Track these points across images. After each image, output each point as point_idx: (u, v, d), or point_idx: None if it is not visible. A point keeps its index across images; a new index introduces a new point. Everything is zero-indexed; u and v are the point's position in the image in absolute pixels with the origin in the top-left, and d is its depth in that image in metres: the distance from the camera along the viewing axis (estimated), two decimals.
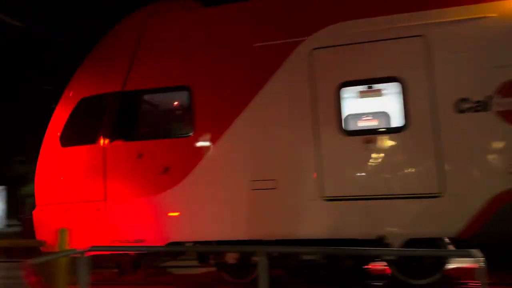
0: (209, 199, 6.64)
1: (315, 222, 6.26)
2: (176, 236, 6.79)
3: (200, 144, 6.77)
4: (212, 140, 6.72)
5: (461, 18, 6.03)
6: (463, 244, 5.77)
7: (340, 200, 6.18)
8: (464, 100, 5.92)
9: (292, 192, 6.36)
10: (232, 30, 6.96)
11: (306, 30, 6.55)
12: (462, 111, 5.92)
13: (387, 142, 6.15)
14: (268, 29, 6.77)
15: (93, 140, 7.24)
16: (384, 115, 6.59)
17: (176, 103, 7.30)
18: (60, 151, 7.49)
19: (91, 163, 7.16)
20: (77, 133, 7.48)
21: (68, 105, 7.56)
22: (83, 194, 7.20)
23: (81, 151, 7.27)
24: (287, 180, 6.38)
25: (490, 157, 5.88)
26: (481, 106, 5.89)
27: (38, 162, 7.77)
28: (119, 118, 7.19)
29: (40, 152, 7.77)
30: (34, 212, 7.67)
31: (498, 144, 5.90)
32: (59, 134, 7.50)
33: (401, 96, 6.14)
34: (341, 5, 6.56)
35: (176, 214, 6.76)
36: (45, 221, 7.49)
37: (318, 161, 6.28)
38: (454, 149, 5.86)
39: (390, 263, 6.51)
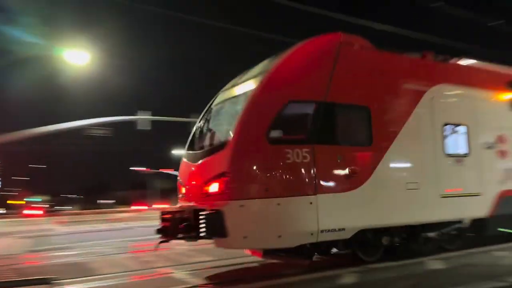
0: (382, 196, 8.83)
1: (439, 210, 9.59)
2: (368, 222, 8.63)
3: (376, 153, 8.88)
4: (384, 151, 8.96)
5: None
6: None
7: (445, 197, 9.74)
8: (488, 142, 10.75)
9: (427, 191, 9.46)
10: (393, 73, 9.50)
11: (430, 83, 9.90)
12: (488, 148, 10.72)
13: (463, 162, 10.22)
14: (408, 78, 9.70)
15: (304, 141, 8.03)
16: (463, 145, 10.53)
17: (360, 119, 8.95)
18: (268, 147, 7.80)
19: (303, 161, 7.92)
20: (288, 133, 8.01)
21: (273, 106, 7.94)
22: (295, 189, 7.87)
23: (292, 149, 7.87)
24: (424, 183, 9.44)
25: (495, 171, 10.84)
26: (491, 147, 10.85)
27: (243, 157, 7.69)
28: (323, 124, 8.30)
29: (237, 145, 7.68)
30: (227, 207, 7.47)
31: (495, 165, 10.92)
32: (266, 132, 7.78)
33: (467, 135, 10.40)
34: (451, 74, 10.31)
35: (365, 206, 8.56)
36: (249, 215, 7.55)
37: (437, 171, 9.68)
38: (491, 169, 10.59)
39: None
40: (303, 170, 7.96)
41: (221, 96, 9.80)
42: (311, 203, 7.93)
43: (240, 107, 8.28)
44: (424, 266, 8.78)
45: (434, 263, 8.91)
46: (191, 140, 9.59)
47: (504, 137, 11.12)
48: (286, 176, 7.86)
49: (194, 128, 9.80)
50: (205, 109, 10.01)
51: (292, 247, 7.92)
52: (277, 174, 7.82)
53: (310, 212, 7.92)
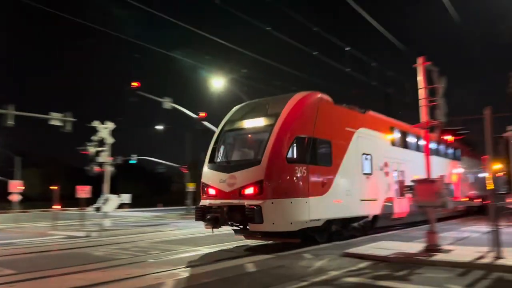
0: (338, 198, 13.74)
1: (360, 209, 14.94)
2: (331, 215, 13.34)
3: (334, 171, 13.77)
4: (337, 170, 13.92)
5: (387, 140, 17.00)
6: None
7: (362, 201, 15.20)
8: (380, 166, 16.73)
9: (356, 197, 14.74)
10: (341, 119, 14.60)
11: (357, 127, 15.30)
12: (380, 170, 16.69)
13: (369, 178, 15.87)
14: (347, 123, 14.92)
15: (303, 162, 12.40)
16: (369, 167, 16.08)
17: (327, 148, 13.61)
18: (286, 165, 12.01)
19: (303, 175, 12.31)
20: (296, 156, 12.25)
21: (288, 139, 12.20)
22: (299, 193, 12.20)
23: (298, 167, 12.22)
24: (355, 192, 14.69)
25: (386, 186, 16.86)
26: (381, 169, 16.87)
27: (273, 171, 11.69)
28: (312, 151, 12.80)
29: (269, 163, 11.70)
30: (264, 203, 11.43)
31: (382, 182, 16.96)
32: (285, 155, 11.98)
33: (371, 161, 16.13)
34: (365, 121, 15.87)
35: (329, 205, 13.31)
36: (276, 209, 11.61)
37: (359, 184, 15.09)
38: (381, 184, 16.52)
39: None
40: (303, 181, 12.35)
41: (232, 125, 13.73)
42: (306, 202, 12.34)
43: (265, 137, 12.30)
44: (240, 269, 9.79)
45: (249, 266, 10.12)
46: (213, 155, 13.17)
47: (387, 162, 17.29)
48: (295, 184, 12.15)
49: (213, 146, 13.41)
50: (218, 133, 13.68)
51: (295, 230, 12.21)
52: (291, 183, 12.07)
53: (306, 208, 12.34)
